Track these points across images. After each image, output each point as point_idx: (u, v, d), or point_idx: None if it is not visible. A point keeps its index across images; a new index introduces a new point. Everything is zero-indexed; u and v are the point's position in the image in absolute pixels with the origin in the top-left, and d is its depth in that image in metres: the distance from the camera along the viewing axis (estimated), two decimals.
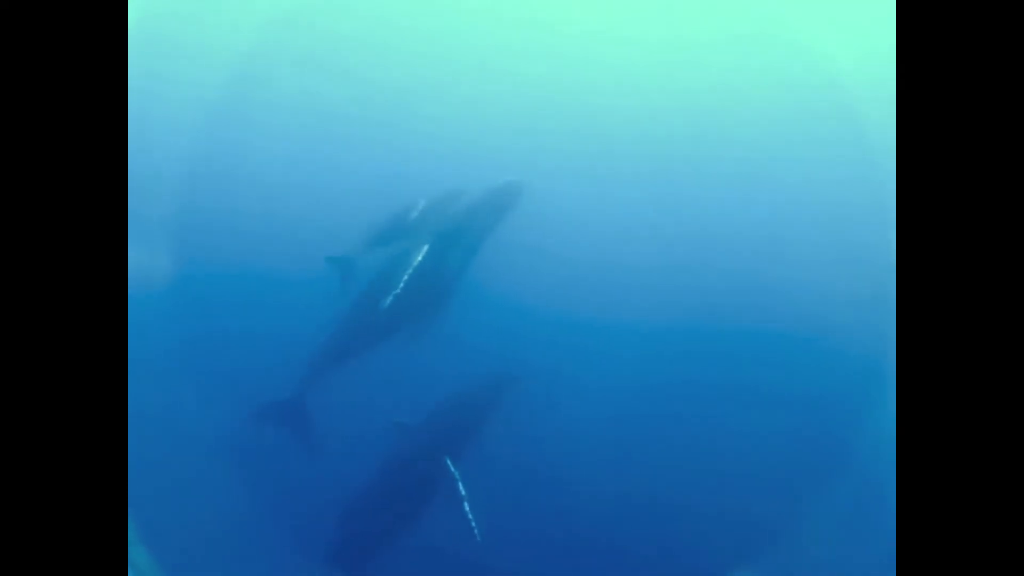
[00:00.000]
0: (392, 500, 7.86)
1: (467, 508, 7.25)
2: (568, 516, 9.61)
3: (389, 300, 7.80)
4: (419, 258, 7.85)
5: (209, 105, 12.09)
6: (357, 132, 12.59)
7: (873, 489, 9.52)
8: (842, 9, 11.61)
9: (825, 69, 11.94)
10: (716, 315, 11.25)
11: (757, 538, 9.63)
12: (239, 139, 12.42)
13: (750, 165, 12.17)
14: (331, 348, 8.41)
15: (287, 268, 11.07)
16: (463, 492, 7.31)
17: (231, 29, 12.29)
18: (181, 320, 10.77)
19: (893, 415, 3.28)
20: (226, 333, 10.87)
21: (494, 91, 12.52)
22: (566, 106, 12.42)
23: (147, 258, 10.29)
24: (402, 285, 7.80)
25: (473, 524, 7.22)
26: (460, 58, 12.92)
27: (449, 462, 7.47)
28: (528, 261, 10.88)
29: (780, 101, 12.16)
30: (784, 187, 11.96)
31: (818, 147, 11.99)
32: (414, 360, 8.80)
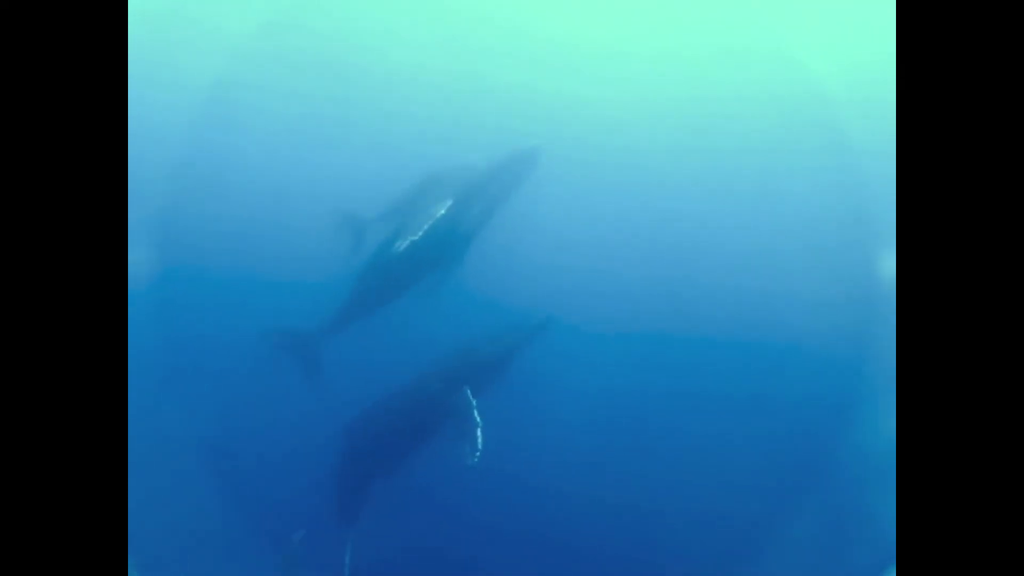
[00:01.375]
0: (401, 421, 7.95)
1: (479, 434, 7.27)
2: (551, 523, 9.63)
3: (406, 244, 7.89)
4: (441, 211, 7.97)
5: (198, 106, 12.01)
6: (346, 135, 12.56)
7: (859, 497, 9.62)
8: (830, 23, 11.74)
9: (813, 81, 12.06)
10: (705, 323, 11.33)
11: (742, 546, 9.70)
12: (226, 141, 12.34)
13: (738, 176, 12.27)
14: (352, 298, 8.59)
15: (273, 270, 11.02)
16: (478, 420, 7.33)
17: (221, 31, 12.20)
18: (164, 320, 10.69)
19: (886, 423, 3.34)
20: (210, 334, 10.80)
21: (485, 99, 12.55)
22: (554, 115, 12.47)
23: (136, 257, 10.19)
24: (421, 233, 7.91)
25: (479, 450, 7.26)
26: (453, 65, 12.90)
27: (468, 392, 7.49)
28: (515, 266, 10.89)
29: (767, 112, 12.27)
30: (771, 197, 12.07)
31: (805, 157, 12.11)
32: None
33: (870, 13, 10.77)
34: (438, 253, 8.16)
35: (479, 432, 7.31)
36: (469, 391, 7.60)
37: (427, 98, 12.58)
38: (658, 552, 9.56)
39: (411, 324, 8.98)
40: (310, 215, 10.95)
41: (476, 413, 7.43)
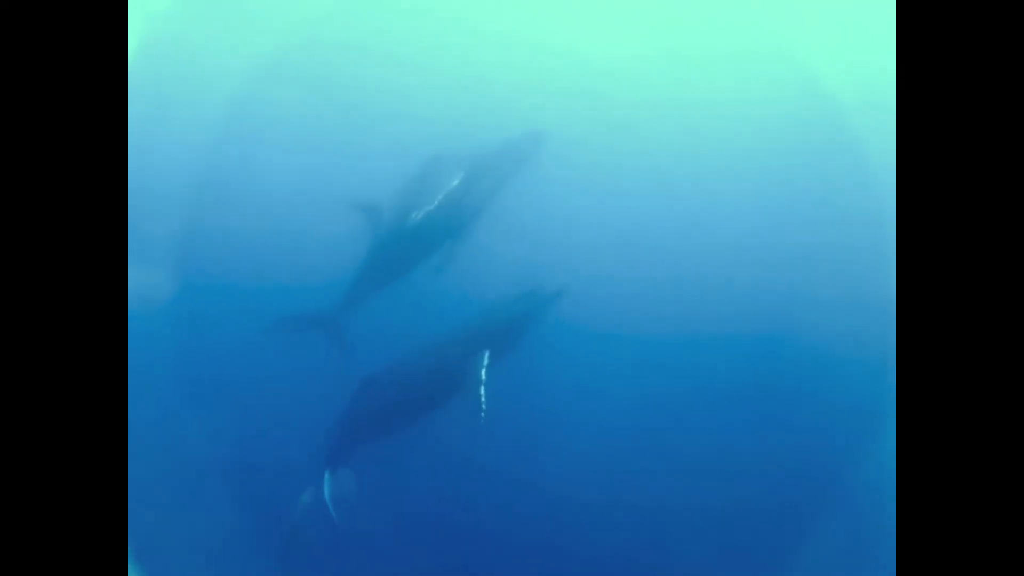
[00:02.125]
0: (418, 379, 7.94)
1: (482, 392, 7.23)
2: (553, 530, 9.59)
3: (421, 215, 7.92)
4: (455, 183, 8.03)
5: (211, 121, 12.16)
6: (357, 148, 12.63)
7: (874, 508, 9.49)
8: (837, 24, 11.67)
9: (820, 82, 12.00)
10: (712, 326, 11.28)
11: (753, 558, 9.59)
12: (241, 154, 12.47)
13: (744, 176, 12.23)
14: (364, 273, 8.73)
15: (293, 282, 11.09)
16: (483, 377, 7.28)
17: (232, 46, 12.35)
18: (180, 336, 10.79)
19: (893, 428, 3.28)
20: (226, 348, 10.88)
21: (494, 102, 12.59)
22: (565, 120, 12.47)
23: (148, 274, 10.32)
24: (436, 204, 7.94)
25: (483, 406, 7.21)
26: (465, 75, 12.96)
27: (486, 353, 7.47)
28: (520, 269, 10.89)
29: (774, 113, 12.23)
30: (779, 197, 12.02)
31: (812, 156, 12.06)
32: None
33: (876, 16, 10.68)
34: (448, 226, 8.21)
35: (483, 389, 7.24)
36: (488, 353, 7.53)
37: (445, 112, 12.64)
38: (673, 559, 9.49)
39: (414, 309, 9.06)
40: (328, 226, 11.07)
41: (484, 371, 7.36)
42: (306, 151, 12.78)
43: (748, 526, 9.58)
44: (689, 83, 12.67)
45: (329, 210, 10.88)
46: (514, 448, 9.59)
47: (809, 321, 11.17)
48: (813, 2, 11.91)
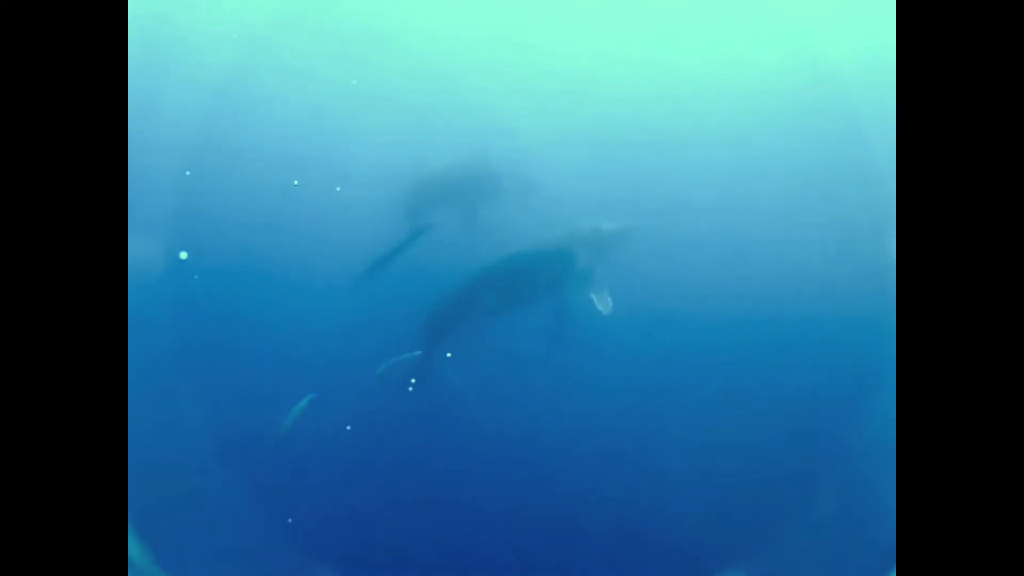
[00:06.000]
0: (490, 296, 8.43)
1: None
2: (557, 513, 9.64)
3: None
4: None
5: (208, 98, 12.09)
6: (358, 128, 12.59)
7: (868, 487, 9.54)
8: (845, 9, 11.61)
9: (822, 63, 11.96)
10: (709, 308, 11.29)
11: (747, 537, 9.64)
12: (239, 133, 12.42)
13: (745, 158, 12.21)
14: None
15: (285, 265, 11.08)
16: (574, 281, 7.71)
17: (231, 20, 12.24)
18: (178, 314, 10.77)
19: (891, 412, 3.29)
20: (224, 328, 10.88)
21: (497, 68, 12.58)
22: (559, 104, 12.44)
23: (145, 252, 10.30)
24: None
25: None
26: (464, 55, 12.89)
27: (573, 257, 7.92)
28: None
29: (776, 94, 12.20)
30: (779, 180, 12.01)
31: (814, 140, 12.04)
32: None
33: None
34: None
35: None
36: (574, 256, 7.94)
37: (438, 86, 12.58)
38: (663, 544, 9.55)
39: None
40: (324, 203, 11.04)
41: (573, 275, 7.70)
42: (302, 129, 12.76)
43: (751, 491, 9.65)
44: (698, 68, 12.63)
45: (325, 191, 10.85)
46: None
47: (807, 305, 11.20)
48: None
